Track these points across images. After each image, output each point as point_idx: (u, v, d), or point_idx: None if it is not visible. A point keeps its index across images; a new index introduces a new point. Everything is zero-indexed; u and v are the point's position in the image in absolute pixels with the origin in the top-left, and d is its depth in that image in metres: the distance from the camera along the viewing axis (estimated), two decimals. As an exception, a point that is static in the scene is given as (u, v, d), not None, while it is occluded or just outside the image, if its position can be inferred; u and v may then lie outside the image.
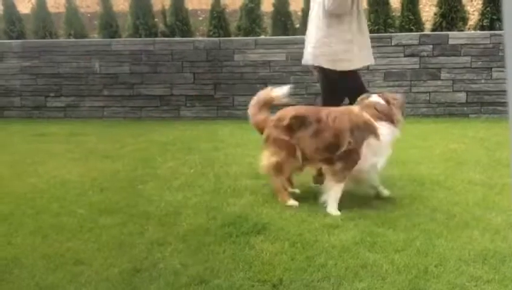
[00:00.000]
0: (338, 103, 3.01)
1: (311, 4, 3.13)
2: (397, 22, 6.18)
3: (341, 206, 2.70)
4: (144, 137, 4.84)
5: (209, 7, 6.51)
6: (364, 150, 2.64)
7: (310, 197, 2.86)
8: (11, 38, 6.56)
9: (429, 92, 5.75)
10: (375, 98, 2.78)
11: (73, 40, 6.43)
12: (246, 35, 6.32)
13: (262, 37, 6.28)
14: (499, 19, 5.96)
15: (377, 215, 2.56)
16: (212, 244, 2.24)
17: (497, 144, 4.19)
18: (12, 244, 2.30)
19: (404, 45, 5.70)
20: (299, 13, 6.48)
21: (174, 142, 4.57)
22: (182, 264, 2.05)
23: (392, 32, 5.94)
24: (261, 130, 2.92)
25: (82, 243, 2.29)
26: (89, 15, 7.23)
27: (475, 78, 5.68)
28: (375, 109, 2.71)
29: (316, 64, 3.05)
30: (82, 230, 2.45)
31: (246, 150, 4.08)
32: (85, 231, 2.43)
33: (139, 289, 1.88)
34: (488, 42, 5.61)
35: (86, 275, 1.98)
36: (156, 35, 6.49)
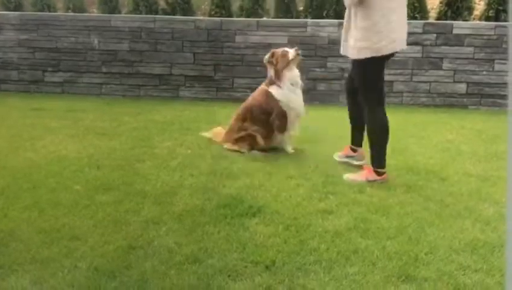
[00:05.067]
0: None
1: None
2: (402, 9, 6.09)
3: (336, 192, 2.73)
4: (142, 116, 4.82)
5: (211, -14, 6.39)
6: None
7: (306, 183, 2.88)
8: (8, 9, 6.44)
9: (430, 82, 5.72)
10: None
11: (72, 14, 6.32)
12: (248, 16, 6.22)
13: (265, 18, 6.19)
14: (505, 10, 5.88)
15: (371, 202, 2.59)
16: (207, 225, 2.26)
17: (495, 136, 4.21)
18: (8, 218, 2.32)
19: (407, 33, 5.63)
20: (303, -4, 6.37)
21: (172, 122, 4.55)
22: (176, 243, 2.08)
23: (396, 19, 5.86)
24: None
25: (78, 219, 2.31)
26: (88, -11, 7.08)
27: (477, 69, 5.64)
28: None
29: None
30: (78, 206, 2.46)
31: (243, 132, 4.08)
32: (81, 207, 2.45)
33: (133, 265, 1.91)
34: (493, 33, 5.56)
35: (82, 251, 2.01)
36: (156, 13, 6.38)
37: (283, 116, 3.51)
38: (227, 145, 3.57)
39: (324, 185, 2.84)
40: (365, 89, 2.89)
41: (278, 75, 3.50)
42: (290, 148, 3.57)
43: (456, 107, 5.65)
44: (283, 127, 3.53)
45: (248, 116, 3.59)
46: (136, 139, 3.88)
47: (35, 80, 6.10)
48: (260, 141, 3.51)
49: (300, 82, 3.56)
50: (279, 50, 3.55)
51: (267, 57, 3.57)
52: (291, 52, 3.50)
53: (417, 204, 2.59)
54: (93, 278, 1.81)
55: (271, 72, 3.56)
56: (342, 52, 2.99)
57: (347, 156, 3.30)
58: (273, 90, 3.53)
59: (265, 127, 3.53)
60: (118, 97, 5.95)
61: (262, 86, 3.66)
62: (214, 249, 2.03)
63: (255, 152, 3.49)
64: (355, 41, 2.76)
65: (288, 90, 3.51)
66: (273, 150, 3.59)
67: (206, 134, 3.87)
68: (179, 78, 5.95)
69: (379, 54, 2.74)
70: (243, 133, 3.53)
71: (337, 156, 3.36)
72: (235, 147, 3.52)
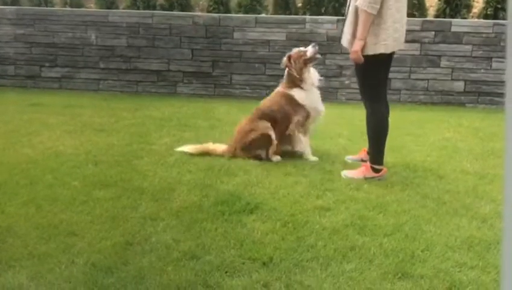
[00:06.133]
0: None
1: None
2: (400, 6, 6.08)
3: (334, 189, 2.74)
4: (139, 112, 4.80)
5: (210, -19, 6.36)
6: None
7: (304, 179, 2.89)
8: (5, 4, 6.39)
9: (428, 80, 5.73)
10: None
11: (69, 9, 6.28)
12: (247, 12, 6.20)
13: (263, 15, 6.17)
14: (503, 8, 5.89)
15: (368, 200, 2.60)
16: (204, 222, 2.26)
17: (492, 134, 4.22)
18: (5, 214, 2.32)
19: (405, 30, 5.63)
20: (302, -8, 6.35)
21: (170, 118, 4.55)
22: (174, 240, 2.08)
23: (394, 17, 5.85)
24: None
25: (75, 215, 2.31)
26: (86, -16, 7.04)
27: (474, 67, 5.65)
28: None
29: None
30: (75, 202, 2.46)
31: (241, 129, 4.06)
32: (78, 203, 2.45)
33: (131, 261, 1.91)
34: (491, 31, 5.56)
35: (79, 247, 2.01)
36: (154, 8, 6.35)
37: (307, 118, 3.34)
38: (241, 154, 3.25)
39: (322, 182, 2.85)
40: (365, 85, 2.89)
41: (299, 77, 3.32)
42: (312, 157, 3.31)
43: (454, 105, 5.67)
44: (306, 129, 3.37)
45: (265, 118, 3.30)
46: (134, 135, 3.87)
47: (32, 75, 6.06)
48: (274, 140, 3.25)
49: (317, 81, 3.40)
50: (295, 51, 3.39)
51: (284, 60, 3.40)
52: (310, 50, 3.33)
53: (414, 202, 2.60)
54: (90, 274, 1.81)
55: (290, 74, 3.35)
56: (343, 43, 2.89)
57: (362, 160, 3.18)
58: (296, 93, 3.34)
59: (279, 129, 3.30)
60: (116, 93, 5.93)
61: (281, 89, 3.40)
62: (212, 246, 2.03)
63: (277, 158, 3.28)
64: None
65: (310, 92, 3.37)
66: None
67: (187, 149, 3.32)
68: (177, 74, 5.93)
69: (386, 52, 2.77)
70: (254, 135, 3.24)
71: (349, 158, 3.28)
72: (250, 154, 3.23)
